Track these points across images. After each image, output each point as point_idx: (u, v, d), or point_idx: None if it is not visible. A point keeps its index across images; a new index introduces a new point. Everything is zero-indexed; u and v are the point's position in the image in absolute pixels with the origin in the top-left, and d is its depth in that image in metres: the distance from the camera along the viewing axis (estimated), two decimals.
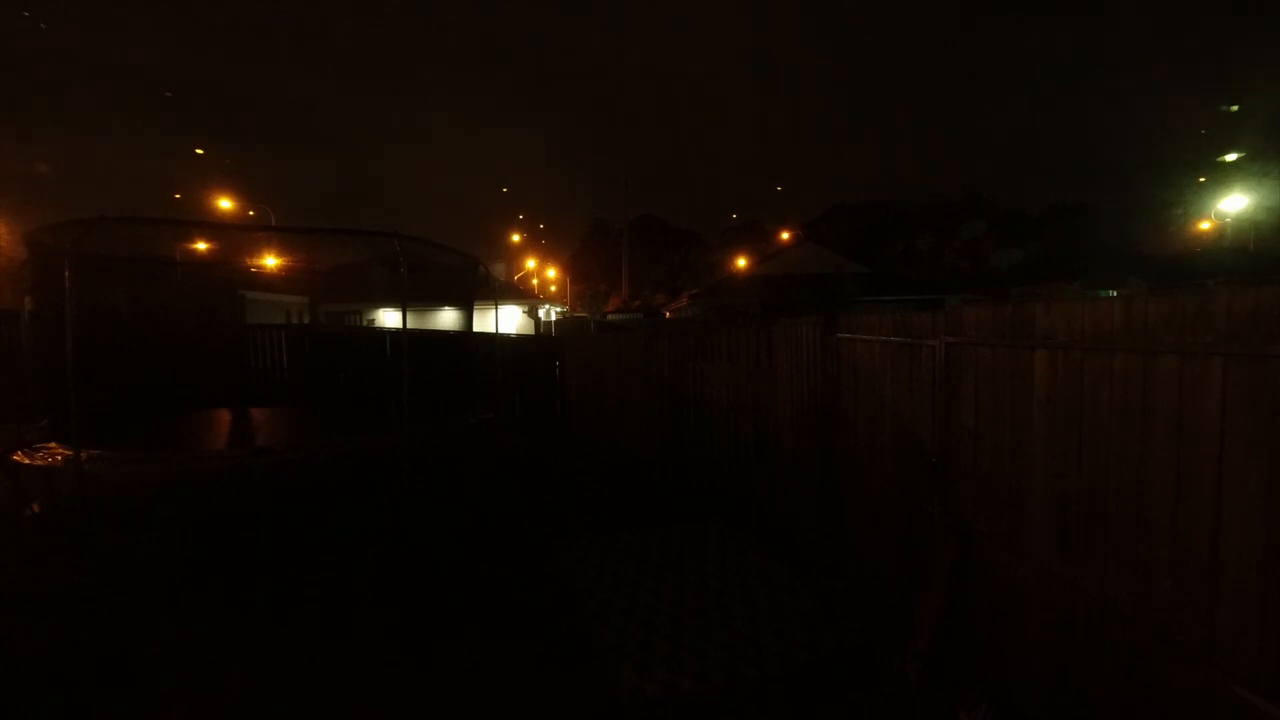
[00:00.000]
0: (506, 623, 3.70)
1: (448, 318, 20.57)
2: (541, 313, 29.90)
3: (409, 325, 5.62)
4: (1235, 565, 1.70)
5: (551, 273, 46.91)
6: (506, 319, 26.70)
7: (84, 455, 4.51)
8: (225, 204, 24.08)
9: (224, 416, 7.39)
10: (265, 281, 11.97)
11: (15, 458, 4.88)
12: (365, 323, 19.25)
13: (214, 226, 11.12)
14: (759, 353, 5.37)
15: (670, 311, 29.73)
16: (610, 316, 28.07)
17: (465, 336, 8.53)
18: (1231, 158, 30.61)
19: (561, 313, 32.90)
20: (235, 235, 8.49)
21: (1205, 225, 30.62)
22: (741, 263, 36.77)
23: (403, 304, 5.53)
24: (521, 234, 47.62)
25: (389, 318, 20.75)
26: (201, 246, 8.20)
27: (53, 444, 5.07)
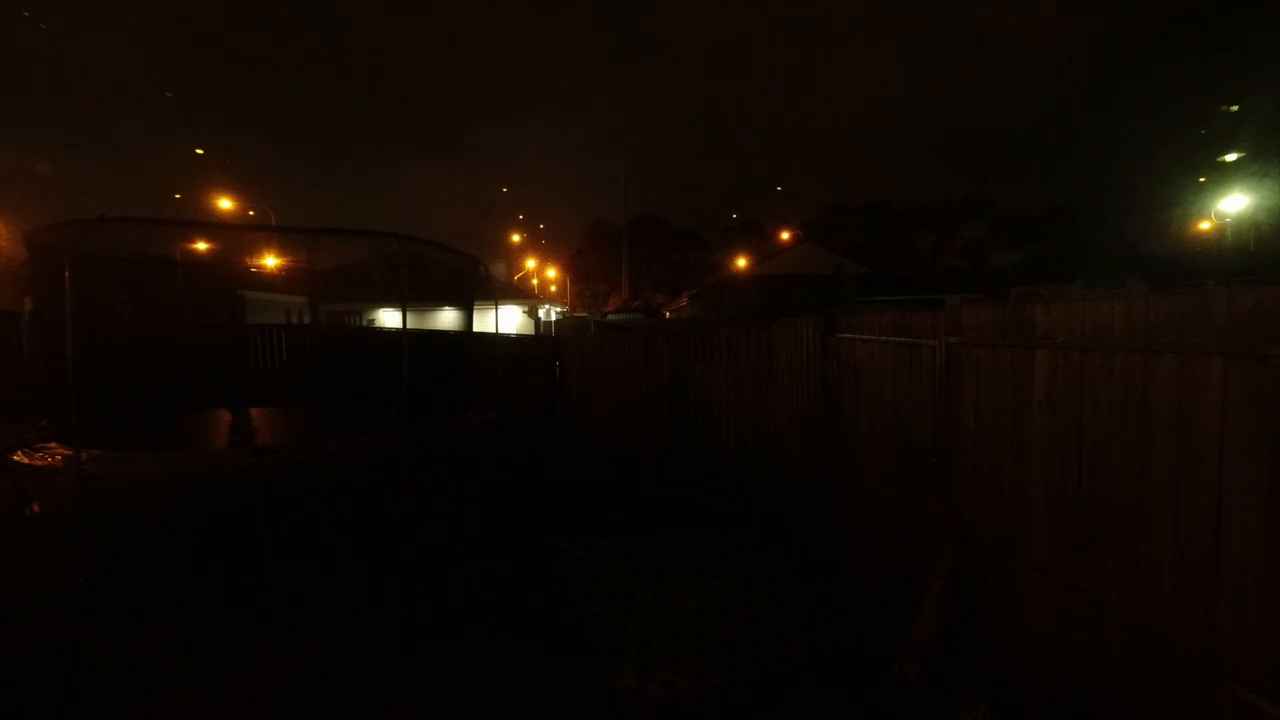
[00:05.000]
0: (507, 623, 3.70)
1: (448, 318, 20.56)
2: (541, 313, 29.89)
3: (409, 325, 5.62)
4: (1236, 565, 1.70)
5: (551, 273, 46.88)
6: (506, 319, 26.68)
7: (84, 455, 4.50)
8: (225, 204, 24.08)
9: (224, 416, 7.39)
10: (265, 281, 11.97)
11: (15, 458, 4.87)
12: (365, 323, 19.25)
13: (214, 226, 11.13)
14: (759, 353, 5.37)
15: (670, 311, 29.73)
16: (610, 316, 28.05)
17: (465, 336, 8.53)
18: (1231, 158, 30.58)
19: (562, 313, 32.90)
20: (235, 235, 8.49)
21: (1205, 225, 30.59)
22: (741, 263, 36.73)
23: (403, 304, 5.53)
24: (521, 234, 47.59)
25: (389, 318, 20.74)
26: (201, 246, 8.20)
27: (53, 444, 5.06)
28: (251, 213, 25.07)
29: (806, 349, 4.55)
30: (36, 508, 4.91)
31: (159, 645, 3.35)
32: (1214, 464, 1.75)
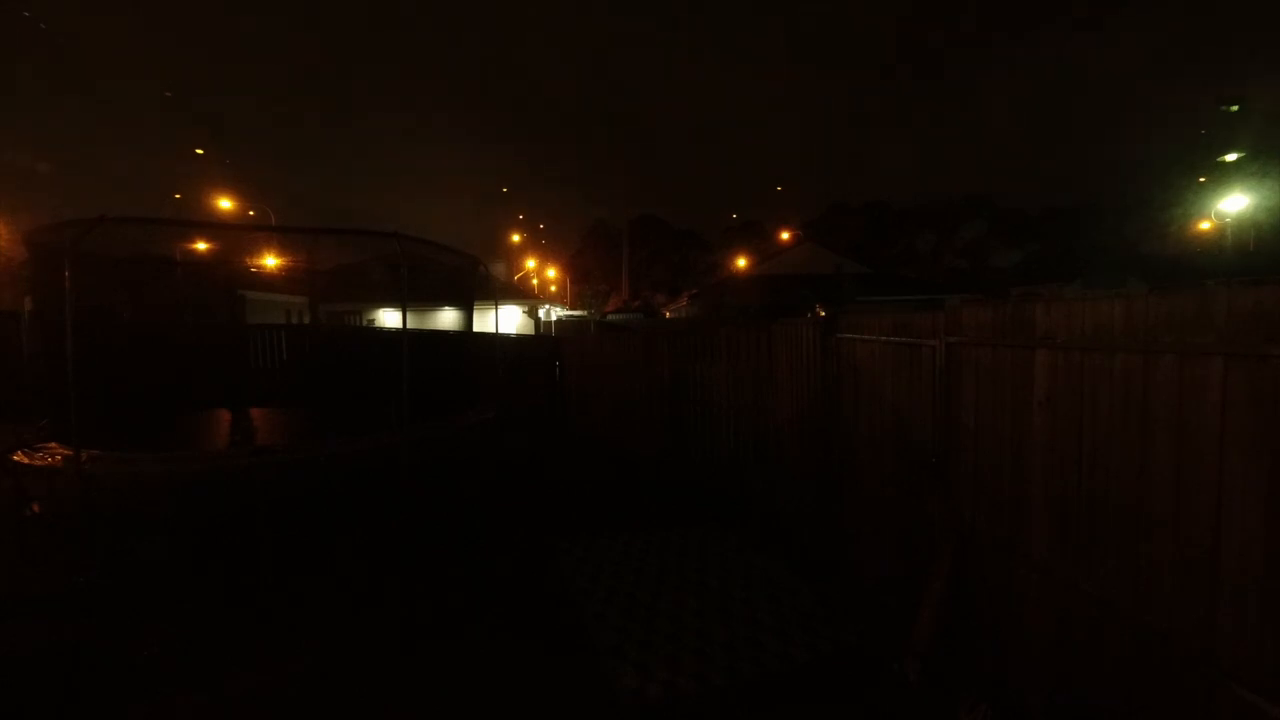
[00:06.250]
0: (507, 623, 3.70)
1: (448, 318, 20.56)
2: (541, 313, 29.89)
3: (409, 325, 5.62)
4: (1236, 565, 1.70)
5: (552, 273, 46.88)
6: (506, 319, 26.67)
7: (84, 455, 4.50)
8: (225, 204, 24.09)
9: (224, 416, 7.39)
10: (265, 281, 11.97)
11: (15, 458, 4.87)
12: (365, 323, 19.25)
13: (214, 226, 11.14)
14: (759, 353, 5.37)
15: (670, 311, 29.75)
16: (610, 316, 28.11)
17: (465, 336, 8.53)
18: (1231, 158, 30.60)
19: (562, 313, 32.90)
20: (235, 235, 8.50)
21: (1205, 225, 30.57)
22: (741, 263, 36.76)
23: (403, 304, 5.53)
24: (522, 234, 47.60)
25: (389, 318, 20.74)
26: (201, 246, 8.21)
27: (53, 444, 5.06)
28: (251, 213, 25.08)
29: (806, 349, 4.55)
30: (36, 508, 4.91)
31: (159, 645, 3.35)
32: (1214, 464, 1.75)
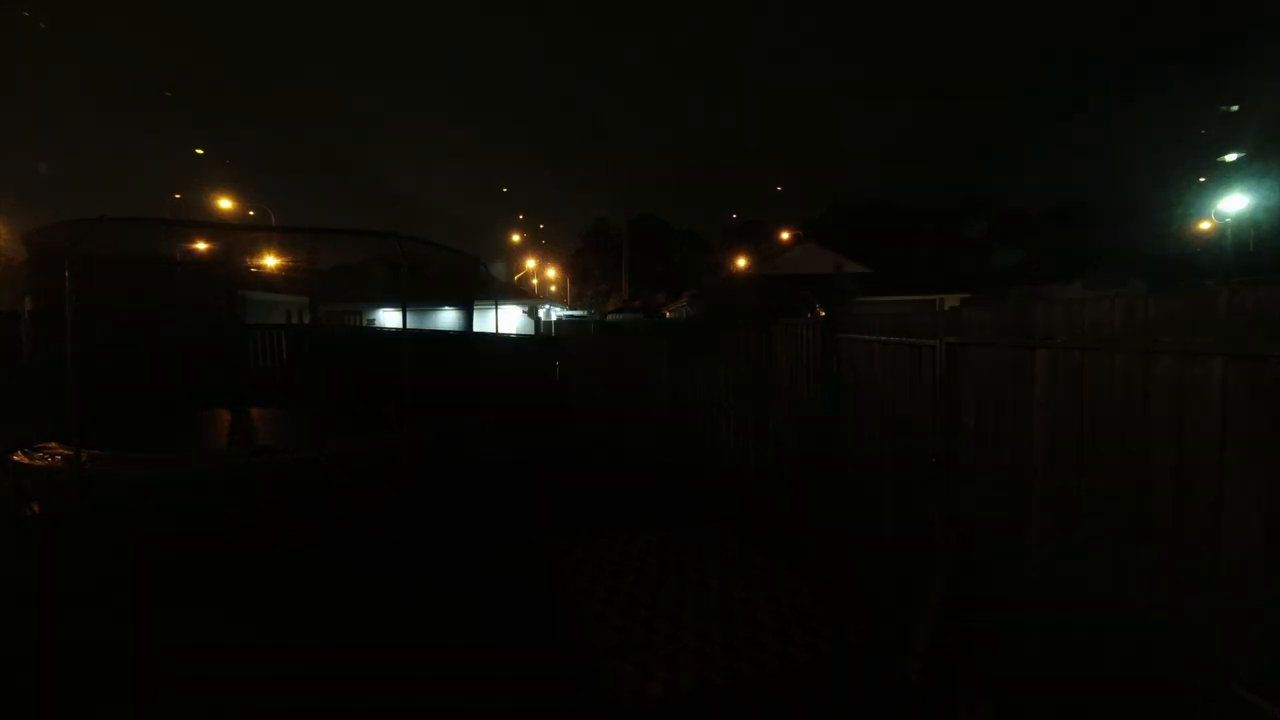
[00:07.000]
0: (505, 623, 3.70)
1: (448, 318, 20.54)
2: (542, 313, 29.87)
3: (409, 325, 5.62)
4: (1236, 565, 1.70)
5: (552, 273, 46.89)
6: (507, 319, 26.68)
7: (84, 455, 4.51)
8: (225, 204, 24.08)
9: (224, 416, 7.40)
10: (265, 281, 11.96)
11: (15, 458, 4.88)
12: (365, 323, 19.27)
13: (214, 226, 11.14)
14: (759, 353, 5.36)
15: (670, 311, 29.72)
16: (610, 316, 28.08)
17: (465, 336, 8.54)
18: (1231, 158, 30.60)
19: (562, 313, 32.90)
20: (235, 235, 8.49)
21: (1205, 225, 30.54)
22: (741, 263, 36.76)
23: (402, 304, 5.54)
24: (522, 234, 47.62)
25: (389, 318, 20.74)
26: (201, 246, 8.21)
27: (53, 444, 5.07)
28: (251, 212, 25.09)
29: (806, 349, 4.55)
30: (36, 507, 4.91)
31: (159, 645, 3.36)
32: (1214, 464, 1.75)
